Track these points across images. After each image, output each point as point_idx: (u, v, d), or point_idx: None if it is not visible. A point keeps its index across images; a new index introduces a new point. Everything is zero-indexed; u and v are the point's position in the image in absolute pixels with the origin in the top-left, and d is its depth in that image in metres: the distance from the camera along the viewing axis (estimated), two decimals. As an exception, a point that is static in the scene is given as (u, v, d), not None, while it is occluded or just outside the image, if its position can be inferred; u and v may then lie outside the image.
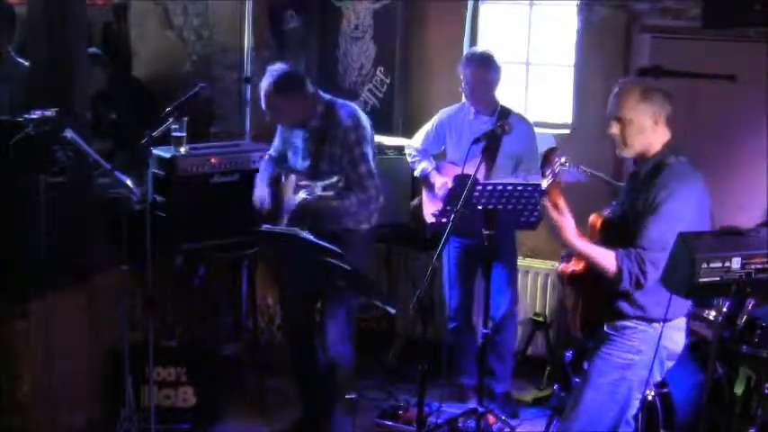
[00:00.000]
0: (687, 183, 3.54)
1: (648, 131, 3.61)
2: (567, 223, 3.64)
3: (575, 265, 3.81)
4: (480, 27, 6.13)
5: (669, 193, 3.50)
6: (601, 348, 3.70)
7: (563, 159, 3.98)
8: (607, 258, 3.55)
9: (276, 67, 4.66)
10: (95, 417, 4.80)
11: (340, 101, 4.77)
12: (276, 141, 4.94)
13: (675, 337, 3.70)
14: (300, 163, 4.76)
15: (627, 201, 3.72)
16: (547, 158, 3.94)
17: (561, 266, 3.88)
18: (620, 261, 3.51)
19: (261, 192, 4.81)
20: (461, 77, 5.16)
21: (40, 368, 4.42)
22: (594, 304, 3.75)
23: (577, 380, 4.51)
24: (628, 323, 3.64)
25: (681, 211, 3.48)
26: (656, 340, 3.61)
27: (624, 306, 3.63)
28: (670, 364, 3.76)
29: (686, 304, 3.70)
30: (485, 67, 5.09)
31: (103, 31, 6.62)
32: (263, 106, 4.69)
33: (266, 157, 4.99)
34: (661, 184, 3.53)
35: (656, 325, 3.61)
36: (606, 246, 3.62)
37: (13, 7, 5.29)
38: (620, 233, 3.63)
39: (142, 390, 4.75)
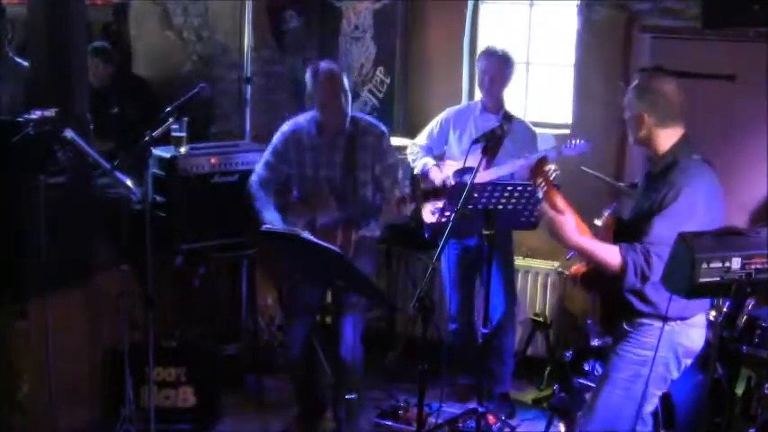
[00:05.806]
0: (696, 180, 3.50)
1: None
2: (567, 220, 3.61)
3: (585, 266, 3.77)
4: (480, 27, 6.13)
5: (677, 191, 3.46)
6: (618, 345, 3.70)
7: (553, 167, 3.94)
8: (610, 252, 3.50)
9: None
10: (95, 417, 4.81)
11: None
12: (272, 162, 4.76)
13: (692, 334, 3.67)
14: (329, 175, 4.69)
15: (640, 200, 3.69)
16: (539, 168, 3.88)
17: (573, 268, 3.85)
18: (623, 253, 3.47)
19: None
20: (479, 71, 5.22)
21: (40, 368, 4.42)
22: (612, 300, 3.72)
23: (580, 381, 4.54)
24: (644, 320, 3.62)
25: (690, 209, 3.45)
26: (672, 338, 3.60)
27: (636, 302, 3.60)
28: (687, 361, 3.72)
29: (704, 302, 3.66)
30: (505, 61, 5.20)
31: (103, 31, 6.63)
32: (330, 92, 4.59)
33: (256, 180, 4.78)
34: (670, 183, 3.50)
35: (672, 323, 3.58)
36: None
37: (2, 4, 5.29)
38: (632, 233, 3.59)
39: (142, 390, 4.75)
